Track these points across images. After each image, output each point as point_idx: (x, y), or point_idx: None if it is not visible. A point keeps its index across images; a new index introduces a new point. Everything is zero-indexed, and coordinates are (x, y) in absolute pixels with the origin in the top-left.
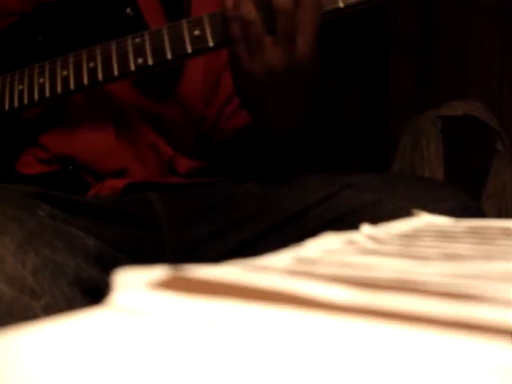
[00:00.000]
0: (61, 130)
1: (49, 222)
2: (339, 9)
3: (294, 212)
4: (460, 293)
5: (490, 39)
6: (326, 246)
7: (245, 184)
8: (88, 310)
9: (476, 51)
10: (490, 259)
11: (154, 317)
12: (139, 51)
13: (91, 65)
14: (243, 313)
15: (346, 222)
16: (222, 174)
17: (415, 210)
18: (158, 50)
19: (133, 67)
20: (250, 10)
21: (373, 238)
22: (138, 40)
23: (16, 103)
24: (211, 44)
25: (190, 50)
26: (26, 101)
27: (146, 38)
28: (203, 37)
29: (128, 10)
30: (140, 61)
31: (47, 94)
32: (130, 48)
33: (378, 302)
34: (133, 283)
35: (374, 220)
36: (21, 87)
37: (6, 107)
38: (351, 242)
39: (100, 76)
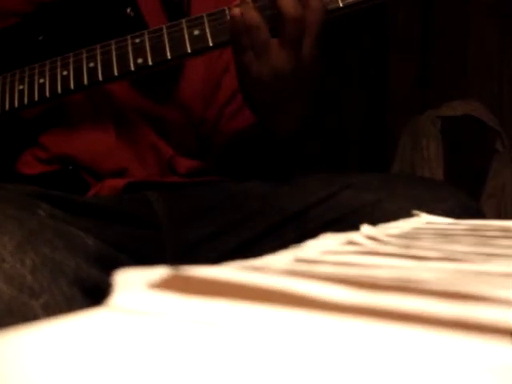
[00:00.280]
0: (61, 130)
1: (49, 221)
2: (339, 8)
3: (293, 212)
4: (460, 293)
5: (490, 39)
6: (325, 247)
7: (245, 184)
8: (88, 310)
9: (476, 51)
10: (490, 259)
11: (154, 317)
12: (139, 51)
13: (91, 65)
14: (243, 313)
15: (346, 222)
16: (222, 175)
17: (415, 210)
18: (157, 50)
19: (133, 67)
20: (254, 16)
21: (373, 238)
22: (137, 40)
23: (16, 103)
24: (211, 44)
25: (189, 50)
26: (26, 100)
27: (146, 37)
28: (203, 36)
29: (128, 10)
30: (140, 61)
31: (47, 93)
32: (129, 48)
33: (378, 302)
34: (133, 283)
35: (374, 220)
36: (21, 87)
37: (7, 107)
38: (351, 243)
39: (100, 76)
